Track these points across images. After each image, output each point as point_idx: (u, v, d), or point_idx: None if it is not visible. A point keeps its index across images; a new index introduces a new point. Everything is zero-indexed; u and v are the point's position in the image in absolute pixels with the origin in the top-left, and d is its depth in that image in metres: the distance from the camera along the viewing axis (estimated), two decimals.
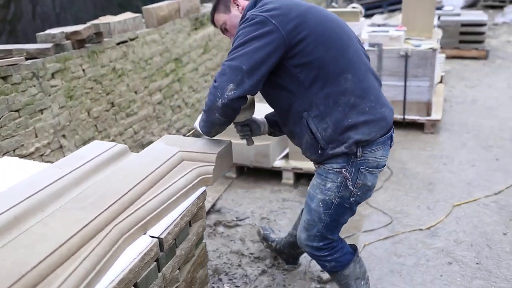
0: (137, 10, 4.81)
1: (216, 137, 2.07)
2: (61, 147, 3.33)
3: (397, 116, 4.71)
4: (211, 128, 1.94)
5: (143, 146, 4.22)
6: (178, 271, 1.73)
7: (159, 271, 1.59)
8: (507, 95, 5.73)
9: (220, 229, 3.20)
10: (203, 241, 1.97)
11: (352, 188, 1.93)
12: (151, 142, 4.35)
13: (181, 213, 1.71)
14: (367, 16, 9.06)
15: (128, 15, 4.28)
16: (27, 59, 3.13)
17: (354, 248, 2.25)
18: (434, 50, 4.51)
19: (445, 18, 7.64)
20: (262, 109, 2.39)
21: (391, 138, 1.97)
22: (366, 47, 4.56)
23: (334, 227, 2.06)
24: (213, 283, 2.64)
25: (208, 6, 5.84)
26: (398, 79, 4.65)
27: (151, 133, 4.43)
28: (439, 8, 7.90)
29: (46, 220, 1.48)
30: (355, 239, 3.00)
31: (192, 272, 1.86)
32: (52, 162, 2.49)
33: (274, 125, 2.28)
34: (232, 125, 2.10)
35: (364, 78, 1.88)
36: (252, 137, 2.25)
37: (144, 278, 1.49)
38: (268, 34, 1.74)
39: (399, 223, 3.16)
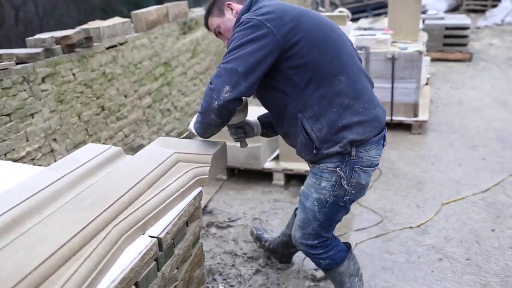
0: (121, 15, 4.81)
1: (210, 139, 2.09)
2: (52, 151, 3.32)
3: None
4: (206, 130, 1.96)
5: (133, 149, 4.22)
6: (176, 270, 1.75)
7: (158, 270, 1.60)
8: (491, 96, 5.85)
9: (213, 230, 3.21)
10: (199, 241, 1.99)
11: (346, 187, 1.97)
12: (141, 145, 4.35)
13: (179, 213, 1.73)
14: (352, 20, 9.17)
15: (117, 19, 4.29)
16: (17, 63, 3.12)
17: (348, 246, 2.28)
18: (420, 52, 4.60)
19: (430, 22, 7.78)
20: (255, 111, 2.42)
21: (384, 137, 2.01)
22: None
23: (328, 225, 2.10)
24: (207, 283, 2.66)
25: (196, 11, 5.87)
26: (386, 81, 4.72)
27: (141, 137, 4.43)
28: (423, 12, 8.05)
29: (45, 221, 1.48)
30: (346, 237, 3.04)
31: (190, 272, 1.88)
32: (43, 166, 2.49)
33: (267, 126, 2.31)
34: (224, 128, 2.12)
35: (358, 80, 1.92)
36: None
37: (144, 277, 1.50)
38: (263, 37, 1.77)
39: (389, 222, 3.21)
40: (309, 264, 2.73)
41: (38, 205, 1.58)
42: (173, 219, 1.69)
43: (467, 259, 2.78)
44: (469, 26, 7.76)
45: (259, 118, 2.34)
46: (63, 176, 1.75)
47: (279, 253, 2.75)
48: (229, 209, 3.49)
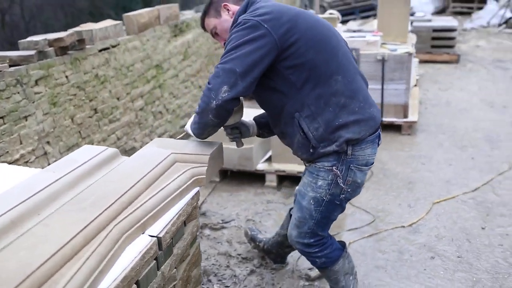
0: (110, 18, 4.81)
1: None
2: (45, 153, 3.31)
3: None
4: (203, 130, 1.98)
5: (126, 152, 4.22)
6: (175, 269, 1.76)
7: (158, 270, 1.62)
8: (478, 97, 5.95)
9: (207, 231, 3.23)
10: (197, 241, 2.00)
11: (342, 185, 2.00)
12: (133, 148, 4.35)
13: (178, 213, 1.75)
14: (341, 22, 9.24)
15: (109, 22, 4.29)
16: (10, 66, 3.11)
17: (342, 245, 2.32)
18: (410, 54, 4.66)
19: (417, 24, 7.88)
20: (250, 113, 2.44)
21: (379, 136, 2.05)
22: None
23: (324, 223, 2.13)
24: (203, 284, 2.67)
25: (187, 14, 5.89)
26: (376, 83, 4.78)
27: (134, 139, 4.43)
28: (411, 15, 8.15)
29: (45, 222, 1.49)
30: (339, 237, 3.07)
31: (188, 271, 1.90)
32: (38, 169, 2.48)
33: (263, 127, 2.34)
34: (220, 129, 2.14)
35: (353, 80, 1.96)
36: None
37: (144, 276, 1.52)
38: (261, 37, 1.80)
39: (381, 221, 3.25)
40: (304, 264, 2.76)
41: (37, 206, 1.58)
42: (172, 219, 1.71)
43: (458, 257, 2.83)
44: (456, 28, 7.88)
45: (255, 118, 2.36)
46: (61, 177, 1.76)
47: (274, 253, 2.77)
48: (223, 211, 3.51)
